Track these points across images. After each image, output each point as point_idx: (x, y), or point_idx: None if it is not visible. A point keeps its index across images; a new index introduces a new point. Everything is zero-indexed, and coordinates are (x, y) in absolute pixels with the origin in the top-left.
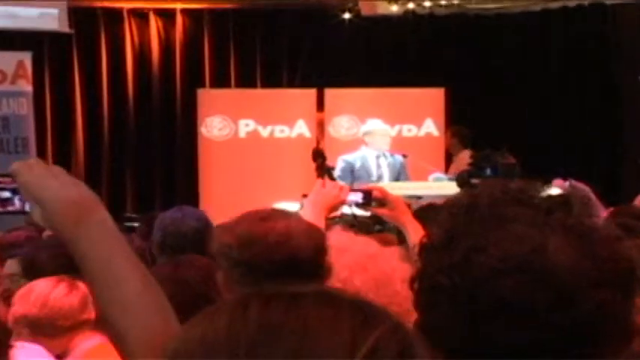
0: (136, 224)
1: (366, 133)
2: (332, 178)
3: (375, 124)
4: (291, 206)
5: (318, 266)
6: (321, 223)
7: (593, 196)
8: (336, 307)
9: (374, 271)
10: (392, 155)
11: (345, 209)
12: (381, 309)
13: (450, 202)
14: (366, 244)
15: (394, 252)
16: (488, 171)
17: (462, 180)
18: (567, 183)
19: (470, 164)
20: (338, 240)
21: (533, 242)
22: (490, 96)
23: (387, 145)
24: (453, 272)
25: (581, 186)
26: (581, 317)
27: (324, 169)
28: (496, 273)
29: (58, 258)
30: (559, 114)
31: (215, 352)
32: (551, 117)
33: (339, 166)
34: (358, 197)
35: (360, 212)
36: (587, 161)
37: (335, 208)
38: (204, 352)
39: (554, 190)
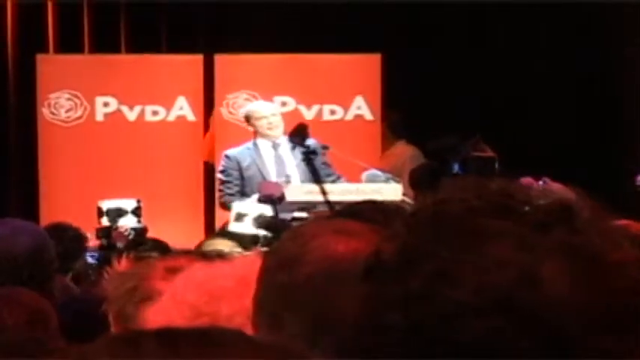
0: None
1: (247, 118)
2: (315, 174)
3: (257, 106)
4: (128, 204)
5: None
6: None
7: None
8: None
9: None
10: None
11: None
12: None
13: (410, 211)
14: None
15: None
16: (455, 167)
17: (417, 179)
18: (540, 183)
19: (428, 157)
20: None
21: (519, 269)
22: (445, 66)
23: (281, 129)
24: (408, 307)
25: (559, 188)
26: None
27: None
28: (467, 310)
29: None
30: (538, 92)
31: None
32: (527, 95)
33: (221, 165)
34: None
35: None
36: (574, 158)
37: None
38: None
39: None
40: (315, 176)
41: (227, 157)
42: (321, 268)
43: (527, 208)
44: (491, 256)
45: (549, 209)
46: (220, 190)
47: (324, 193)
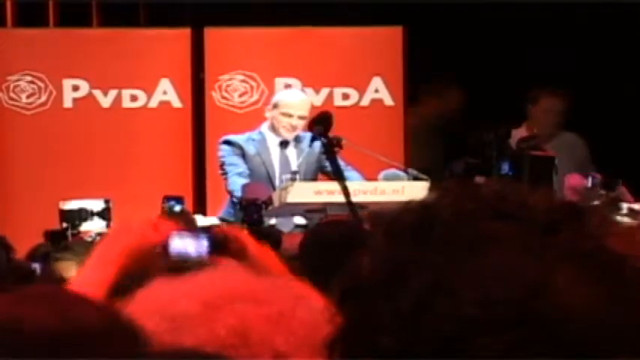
0: None
1: (276, 106)
2: (338, 171)
3: (290, 97)
4: (93, 204)
5: None
6: (102, 285)
7: (629, 198)
8: None
9: None
10: (307, 138)
11: None
12: None
13: (390, 218)
14: None
15: None
16: (505, 167)
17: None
18: (589, 179)
19: (468, 152)
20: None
21: (529, 277)
22: (484, 43)
23: (301, 126)
24: (400, 328)
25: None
26: None
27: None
28: (472, 327)
29: None
30: (594, 74)
31: None
32: (581, 81)
33: (221, 152)
34: (199, 244)
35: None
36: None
37: (138, 257)
38: None
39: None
40: (337, 173)
41: (228, 142)
42: None
43: (527, 211)
44: (491, 263)
45: (554, 211)
46: (224, 174)
47: (347, 194)
